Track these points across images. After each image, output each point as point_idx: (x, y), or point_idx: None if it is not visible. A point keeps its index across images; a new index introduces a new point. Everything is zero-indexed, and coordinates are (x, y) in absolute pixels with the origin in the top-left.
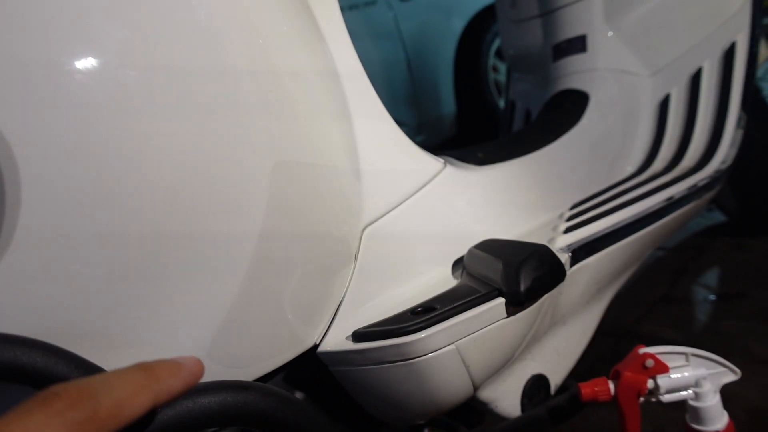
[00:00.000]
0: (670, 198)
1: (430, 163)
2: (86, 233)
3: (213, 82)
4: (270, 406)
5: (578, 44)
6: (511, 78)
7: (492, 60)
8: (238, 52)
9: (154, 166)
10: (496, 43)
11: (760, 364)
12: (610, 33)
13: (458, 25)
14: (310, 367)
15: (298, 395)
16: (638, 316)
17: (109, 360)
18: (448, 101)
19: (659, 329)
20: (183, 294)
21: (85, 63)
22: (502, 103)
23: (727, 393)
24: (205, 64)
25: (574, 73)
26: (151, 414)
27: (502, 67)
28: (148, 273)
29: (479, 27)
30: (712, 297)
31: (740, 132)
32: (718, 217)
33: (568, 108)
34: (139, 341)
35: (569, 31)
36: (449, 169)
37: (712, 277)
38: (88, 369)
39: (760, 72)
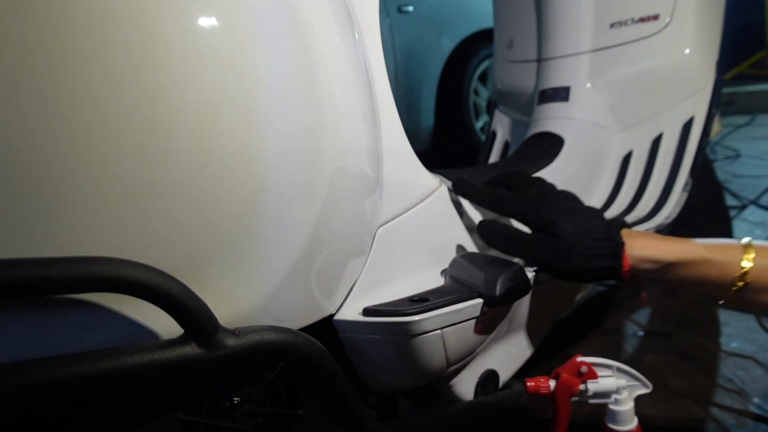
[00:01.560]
0: None
1: (431, 180)
2: None
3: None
4: (312, 352)
5: (562, 93)
6: (495, 109)
7: (474, 83)
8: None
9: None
10: (481, 68)
11: (672, 395)
12: (591, 89)
13: (449, 44)
14: (327, 331)
15: None
16: (575, 341)
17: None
18: (427, 115)
19: (591, 354)
20: (263, 256)
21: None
22: (477, 125)
23: (640, 416)
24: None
25: (555, 119)
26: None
27: (483, 91)
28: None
29: (468, 50)
30: (640, 333)
31: (685, 195)
32: None
33: (545, 148)
34: (222, 287)
35: (556, 81)
36: (444, 187)
37: (643, 315)
38: (190, 294)
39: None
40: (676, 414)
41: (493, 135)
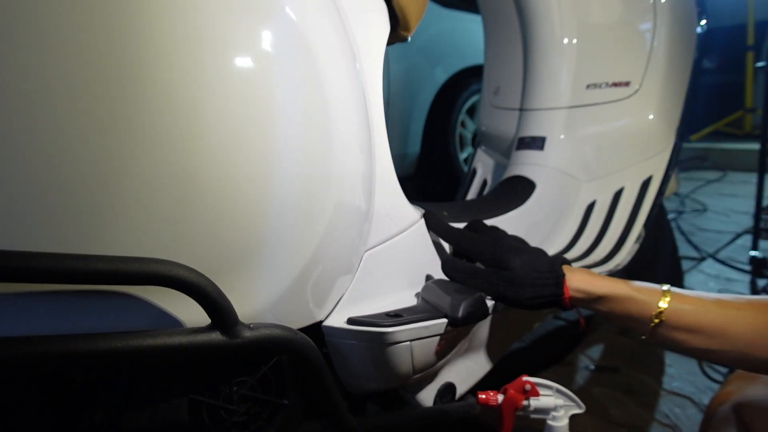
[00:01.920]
0: None
1: (413, 212)
2: None
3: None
4: (308, 349)
5: (539, 143)
6: (477, 148)
7: (462, 116)
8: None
9: None
10: (470, 102)
11: (612, 424)
12: (565, 141)
13: (441, 76)
14: (316, 335)
15: None
16: (531, 369)
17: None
18: (414, 142)
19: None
20: (274, 268)
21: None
22: (462, 156)
23: None
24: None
25: (529, 164)
26: (247, 329)
27: (470, 124)
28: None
29: (459, 83)
30: (591, 367)
31: (637, 245)
32: None
33: (518, 191)
34: (239, 289)
35: (534, 130)
36: (423, 220)
37: (596, 351)
38: (220, 293)
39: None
40: None
41: (474, 172)
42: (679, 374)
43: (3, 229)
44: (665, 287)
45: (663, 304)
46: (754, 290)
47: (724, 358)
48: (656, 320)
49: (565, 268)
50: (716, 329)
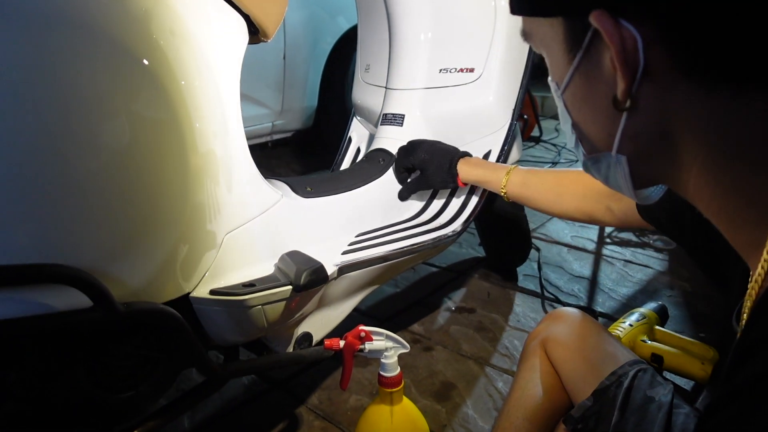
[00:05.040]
0: (415, 244)
1: (272, 194)
2: None
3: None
4: (170, 318)
5: (399, 119)
6: (354, 118)
7: None
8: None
9: None
10: None
11: (461, 356)
12: (421, 118)
13: (342, 26)
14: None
15: None
16: (397, 311)
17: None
18: (312, 95)
19: (407, 323)
20: (143, 254)
21: None
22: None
23: (434, 371)
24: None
25: (390, 138)
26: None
27: None
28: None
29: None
30: (452, 307)
31: (475, 212)
32: (482, 252)
33: (378, 163)
34: (114, 276)
35: (395, 108)
36: (284, 199)
37: (458, 294)
38: (98, 282)
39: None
40: (460, 371)
41: (349, 140)
42: (524, 312)
43: None
44: (511, 166)
45: (504, 180)
46: (601, 236)
47: (545, 207)
48: (503, 191)
49: (462, 159)
50: (537, 187)
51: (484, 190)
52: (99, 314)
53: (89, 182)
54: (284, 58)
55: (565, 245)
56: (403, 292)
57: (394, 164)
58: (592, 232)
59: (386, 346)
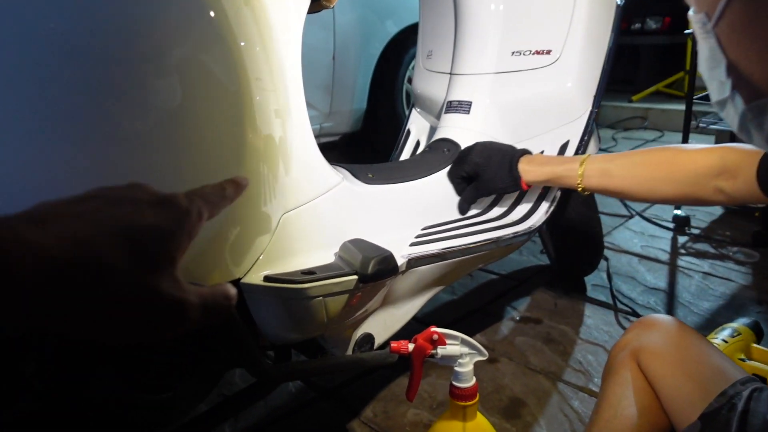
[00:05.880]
0: (490, 240)
1: (332, 176)
2: None
3: None
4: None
5: (465, 107)
6: (412, 109)
7: (410, 72)
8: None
9: None
10: None
11: (530, 370)
12: (490, 105)
13: (391, 29)
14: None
15: None
16: (455, 319)
17: None
18: (361, 98)
19: (467, 332)
20: None
21: None
22: (407, 113)
23: (501, 386)
24: None
25: (456, 128)
26: None
27: None
28: None
29: (407, 38)
30: (516, 317)
31: (552, 207)
32: (545, 260)
33: (444, 153)
34: None
35: (461, 95)
36: (345, 183)
37: (522, 303)
38: None
39: None
40: (530, 386)
41: (408, 133)
42: (596, 324)
43: None
44: (584, 156)
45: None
46: (675, 246)
47: (636, 195)
48: (579, 186)
49: (522, 159)
50: (623, 174)
51: None
52: None
53: (137, 142)
54: (334, 59)
55: (636, 255)
56: (461, 299)
57: (447, 174)
58: (665, 242)
59: (461, 351)
